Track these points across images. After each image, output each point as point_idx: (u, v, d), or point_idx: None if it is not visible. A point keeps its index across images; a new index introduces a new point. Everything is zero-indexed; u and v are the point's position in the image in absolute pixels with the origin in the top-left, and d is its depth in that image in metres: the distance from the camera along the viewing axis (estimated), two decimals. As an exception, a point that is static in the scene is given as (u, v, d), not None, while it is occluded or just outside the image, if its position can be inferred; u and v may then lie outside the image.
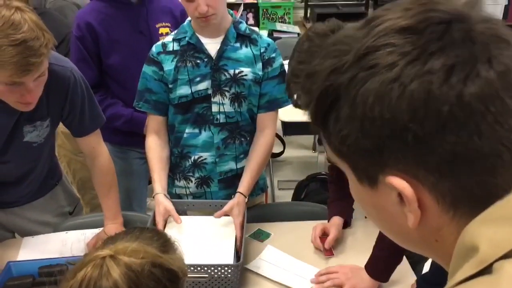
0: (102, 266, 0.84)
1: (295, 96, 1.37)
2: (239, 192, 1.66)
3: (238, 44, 1.67)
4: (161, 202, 1.63)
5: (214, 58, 1.65)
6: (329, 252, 1.64)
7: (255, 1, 4.62)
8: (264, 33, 4.40)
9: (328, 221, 1.70)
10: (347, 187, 1.87)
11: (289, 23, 4.58)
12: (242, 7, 4.50)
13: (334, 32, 1.29)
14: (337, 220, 1.68)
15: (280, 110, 1.80)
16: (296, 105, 1.39)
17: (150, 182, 2.30)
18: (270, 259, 1.62)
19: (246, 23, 4.96)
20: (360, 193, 0.54)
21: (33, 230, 1.77)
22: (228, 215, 1.63)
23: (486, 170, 0.46)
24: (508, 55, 0.46)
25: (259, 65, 1.68)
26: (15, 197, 1.73)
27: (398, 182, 0.48)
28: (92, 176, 1.77)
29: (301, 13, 4.76)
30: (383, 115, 0.47)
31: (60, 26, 2.30)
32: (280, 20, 4.60)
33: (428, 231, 0.51)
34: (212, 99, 1.67)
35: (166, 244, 0.95)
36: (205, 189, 1.78)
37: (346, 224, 1.72)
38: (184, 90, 1.66)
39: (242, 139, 1.75)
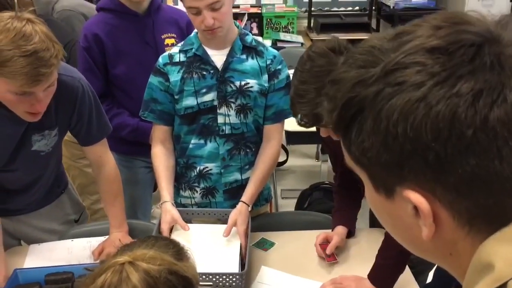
0: (122, 272, 0.86)
1: (299, 116, 1.40)
2: (242, 201, 1.68)
3: (244, 56, 1.69)
4: (168, 210, 1.64)
5: (220, 69, 1.66)
6: (331, 258, 1.64)
7: (259, 11, 4.65)
8: (268, 42, 4.43)
9: (332, 230, 1.71)
10: (351, 197, 1.90)
11: (292, 32, 4.61)
12: (246, 17, 4.53)
13: (335, 51, 1.32)
14: (340, 229, 1.69)
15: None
16: (300, 124, 1.41)
17: (154, 189, 2.33)
18: (267, 281, 1.59)
19: (250, 32, 4.98)
20: (376, 201, 0.55)
21: (39, 238, 1.79)
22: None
23: (504, 192, 0.47)
24: None
25: (265, 76, 1.70)
26: (22, 204, 1.75)
27: (415, 197, 0.49)
28: (98, 184, 1.79)
29: (304, 23, 4.78)
30: (406, 132, 0.47)
31: (62, 34, 2.33)
32: (283, 30, 4.63)
33: (442, 244, 0.51)
34: (218, 111, 1.69)
35: (180, 252, 0.98)
36: (210, 200, 1.80)
37: (350, 234, 1.73)
38: (190, 101, 1.68)
39: (248, 150, 1.76)
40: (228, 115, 1.70)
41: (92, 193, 2.54)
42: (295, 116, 1.42)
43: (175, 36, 2.07)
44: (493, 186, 0.47)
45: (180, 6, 4.55)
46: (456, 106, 0.46)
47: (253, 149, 1.77)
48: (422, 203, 0.49)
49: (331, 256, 1.64)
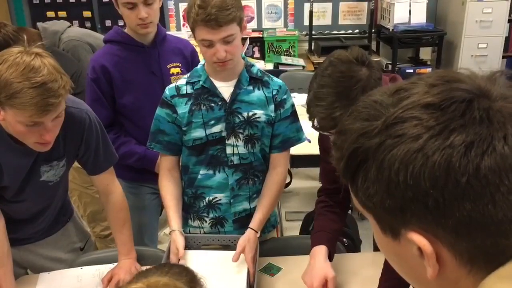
0: None
1: (315, 120, 1.38)
2: (250, 227, 1.70)
3: (250, 87, 1.72)
4: (174, 240, 1.67)
5: (228, 101, 1.69)
6: None
7: (261, 36, 4.73)
8: (269, 66, 4.50)
9: (311, 248, 1.64)
10: (336, 222, 1.84)
11: (294, 56, 4.68)
12: (248, 42, 4.61)
13: (358, 60, 1.34)
14: (322, 253, 1.60)
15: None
16: (316, 128, 1.42)
17: (160, 213, 2.36)
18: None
19: (252, 56, 5.04)
20: (384, 242, 0.59)
21: (46, 267, 1.81)
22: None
23: (499, 233, 0.51)
24: None
25: (272, 107, 1.73)
26: (29, 233, 1.77)
27: (418, 239, 0.53)
28: (106, 212, 1.82)
29: (305, 46, 4.85)
30: (407, 180, 0.52)
31: (68, 65, 2.39)
32: (285, 54, 4.70)
33: (446, 282, 0.55)
34: (226, 141, 1.72)
35: (193, 280, 1.00)
36: (219, 229, 1.82)
37: (331, 256, 1.64)
38: (198, 133, 1.71)
39: (256, 179, 1.79)
40: (237, 146, 1.72)
41: (103, 219, 2.56)
42: (311, 119, 1.40)
43: (180, 65, 2.12)
44: (489, 228, 0.51)
45: (183, 32, 4.62)
46: (450, 156, 0.50)
47: (261, 178, 1.80)
48: (425, 245, 0.53)
49: None
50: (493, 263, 0.52)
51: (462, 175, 0.50)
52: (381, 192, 0.54)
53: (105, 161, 1.73)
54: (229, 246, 1.75)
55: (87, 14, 4.76)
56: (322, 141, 1.72)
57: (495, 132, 0.50)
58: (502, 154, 0.50)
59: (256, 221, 1.71)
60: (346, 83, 1.31)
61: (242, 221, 1.79)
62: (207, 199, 1.78)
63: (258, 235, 1.70)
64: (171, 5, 4.79)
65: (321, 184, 1.80)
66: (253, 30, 4.79)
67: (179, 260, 1.65)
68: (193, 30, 1.59)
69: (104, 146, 1.70)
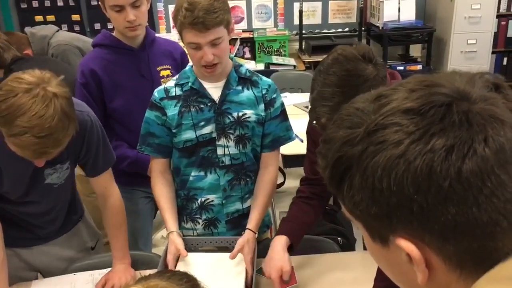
0: None
1: (320, 120, 1.32)
2: (248, 229, 1.69)
3: (240, 87, 1.72)
4: (173, 241, 1.66)
5: (217, 102, 1.69)
6: (292, 282, 1.62)
7: (251, 36, 4.73)
8: (260, 66, 4.50)
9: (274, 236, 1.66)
10: (308, 214, 1.83)
11: (284, 55, 4.68)
12: (238, 42, 4.61)
13: (365, 57, 1.29)
14: (281, 243, 1.62)
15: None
16: (320, 128, 1.38)
17: (154, 216, 2.35)
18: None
19: (243, 57, 5.03)
20: (374, 249, 0.59)
21: (59, 267, 1.81)
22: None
23: (486, 236, 0.51)
24: (502, 134, 0.51)
25: (262, 106, 1.73)
26: (41, 234, 1.77)
27: (406, 245, 0.53)
28: (103, 217, 1.81)
29: (296, 45, 4.86)
30: (390, 186, 0.51)
31: (64, 74, 2.38)
32: (276, 53, 4.70)
33: (437, 287, 0.55)
34: (217, 142, 1.71)
35: (195, 287, 0.99)
36: (213, 230, 1.81)
37: (291, 248, 1.65)
38: (188, 135, 1.70)
39: (247, 179, 1.79)
40: (227, 146, 1.72)
41: (103, 228, 2.56)
42: (315, 119, 1.36)
43: (170, 67, 2.11)
44: (475, 231, 0.51)
45: (173, 34, 4.60)
46: (432, 161, 0.50)
47: (253, 178, 1.80)
48: (413, 251, 0.53)
49: (292, 279, 1.61)
50: (482, 266, 0.52)
51: (444, 179, 0.50)
52: (366, 199, 0.54)
53: (104, 162, 1.73)
54: (226, 248, 1.75)
55: (75, 17, 4.74)
56: (311, 132, 1.72)
57: (475, 135, 0.50)
58: (483, 156, 0.50)
59: (253, 221, 1.71)
60: (353, 82, 1.27)
61: (235, 222, 1.79)
62: (199, 200, 1.78)
63: (256, 236, 1.70)
64: (160, 7, 4.77)
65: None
66: (243, 31, 4.79)
67: (177, 260, 1.64)
68: (180, 33, 1.58)
69: (104, 147, 1.70)
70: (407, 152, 0.51)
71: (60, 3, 4.69)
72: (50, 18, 4.70)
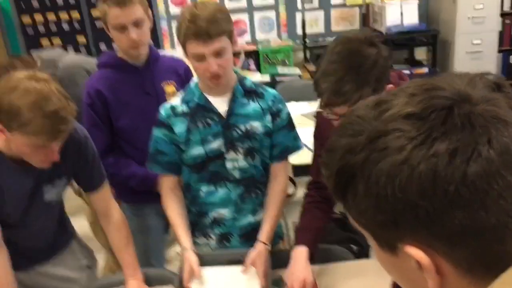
0: None
1: (323, 99, 1.37)
2: (260, 241, 1.69)
3: (245, 100, 1.71)
4: (187, 258, 1.66)
5: (224, 116, 1.69)
6: None
7: (255, 48, 4.75)
8: (266, 77, 4.51)
9: (295, 245, 1.65)
10: (320, 219, 1.83)
11: (289, 66, 4.69)
12: (243, 55, 4.62)
13: (367, 39, 1.33)
14: (303, 255, 1.62)
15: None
16: (324, 106, 1.40)
17: (166, 232, 2.35)
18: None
19: (248, 69, 5.04)
20: (383, 258, 0.58)
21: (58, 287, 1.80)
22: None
23: (495, 240, 0.50)
24: (506, 134, 0.50)
25: (268, 117, 1.72)
26: (35, 255, 1.77)
27: (415, 252, 0.52)
28: (108, 235, 1.82)
29: (300, 54, 4.87)
30: (395, 193, 0.51)
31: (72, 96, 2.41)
32: (281, 64, 4.72)
33: None
34: (226, 156, 1.71)
35: None
36: (226, 245, 1.81)
37: (312, 257, 1.65)
38: (197, 151, 1.70)
39: (258, 191, 1.78)
40: (237, 160, 1.72)
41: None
42: (320, 95, 1.38)
43: (174, 83, 2.12)
44: (483, 235, 0.50)
45: (178, 50, 4.64)
46: (436, 165, 0.49)
47: (263, 190, 1.79)
48: (422, 258, 0.51)
49: None
50: (494, 270, 0.50)
51: (449, 184, 0.49)
52: (372, 207, 0.53)
53: (98, 176, 1.76)
54: (240, 261, 1.73)
55: (81, 39, 4.79)
56: (318, 137, 1.72)
57: (479, 137, 0.49)
58: (488, 158, 0.49)
59: (264, 233, 1.70)
60: (356, 58, 1.32)
61: (249, 235, 1.78)
62: (211, 215, 1.77)
63: (268, 247, 1.68)
64: (164, 24, 4.82)
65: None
66: (247, 43, 4.81)
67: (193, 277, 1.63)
68: (184, 45, 1.59)
69: (98, 162, 1.75)
70: (410, 157, 0.50)
71: (65, 26, 4.76)
72: (56, 41, 4.76)
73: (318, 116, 1.74)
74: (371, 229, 0.56)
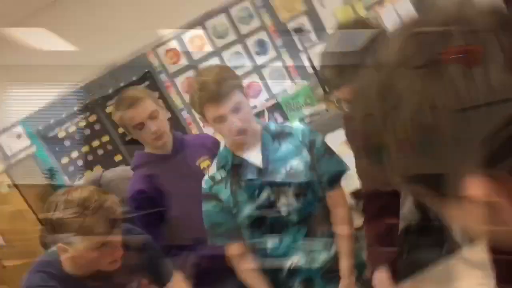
0: None
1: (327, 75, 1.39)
2: (342, 278, 1.64)
3: (277, 144, 1.71)
4: None
5: (262, 167, 1.68)
6: None
7: (275, 102, 4.80)
8: (296, 124, 4.50)
9: (372, 274, 1.51)
10: (389, 231, 1.66)
11: (313, 104, 4.70)
12: (266, 113, 4.68)
13: (359, 20, 1.41)
14: (383, 276, 1.48)
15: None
16: (328, 89, 1.41)
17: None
18: None
19: (276, 122, 5.04)
20: (452, 209, 0.52)
21: None
22: None
23: None
24: None
25: (304, 151, 1.71)
26: None
27: (476, 185, 0.47)
28: None
29: (319, 89, 4.88)
30: None
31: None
32: (305, 106, 4.73)
33: None
34: (277, 205, 1.69)
35: None
36: None
37: (395, 274, 1.49)
38: (248, 209, 1.69)
39: (322, 226, 1.73)
40: (290, 204, 1.69)
41: None
42: (325, 85, 1.42)
43: (207, 157, 2.14)
44: None
45: (206, 131, 4.68)
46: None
47: (327, 222, 1.74)
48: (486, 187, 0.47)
49: None
50: None
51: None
52: None
53: (168, 270, 1.76)
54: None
55: (118, 158, 4.97)
56: (351, 139, 1.63)
57: None
58: None
59: (343, 270, 1.66)
60: (352, 37, 1.33)
61: (330, 272, 1.72)
62: (286, 267, 1.72)
63: (352, 280, 1.62)
64: (185, 114, 4.97)
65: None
66: (267, 100, 4.87)
67: None
68: (202, 113, 1.63)
69: (162, 257, 1.76)
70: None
71: (100, 152, 4.98)
72: (97, 168, 4.96)
73: (344, 118, 1.68)
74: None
